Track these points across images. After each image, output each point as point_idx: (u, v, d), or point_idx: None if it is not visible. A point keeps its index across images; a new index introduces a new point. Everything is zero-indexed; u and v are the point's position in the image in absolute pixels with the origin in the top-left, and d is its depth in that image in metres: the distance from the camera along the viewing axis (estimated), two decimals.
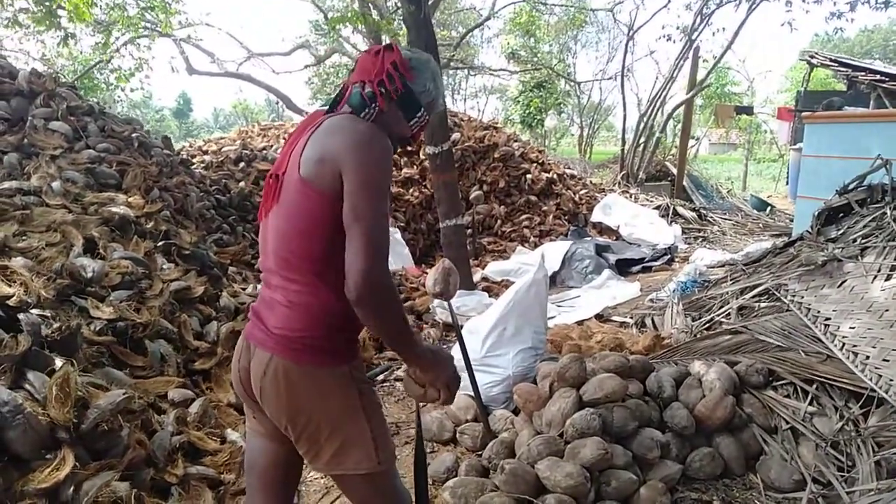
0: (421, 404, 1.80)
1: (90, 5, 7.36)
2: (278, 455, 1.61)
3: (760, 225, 10.66)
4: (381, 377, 4.10)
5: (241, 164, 6.89)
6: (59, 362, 2.24)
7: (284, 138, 7.87)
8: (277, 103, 17.28)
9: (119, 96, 12.56)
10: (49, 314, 2.45)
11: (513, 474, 2.44)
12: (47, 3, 6.81)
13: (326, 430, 1.46)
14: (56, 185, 3.63)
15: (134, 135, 4.80)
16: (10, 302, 2.30)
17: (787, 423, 2.78)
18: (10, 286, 2.38)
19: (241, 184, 6.52)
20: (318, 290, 1.41)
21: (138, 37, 10.23)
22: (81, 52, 10.81)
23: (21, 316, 2.27)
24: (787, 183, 10.62)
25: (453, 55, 16.01)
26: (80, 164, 4.11)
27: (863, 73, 9.79)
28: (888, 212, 3.71)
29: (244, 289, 4.53)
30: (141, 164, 4.55)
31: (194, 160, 6.54)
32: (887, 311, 3.05)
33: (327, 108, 1.59)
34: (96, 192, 3.96)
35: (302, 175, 1.38)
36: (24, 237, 3.14)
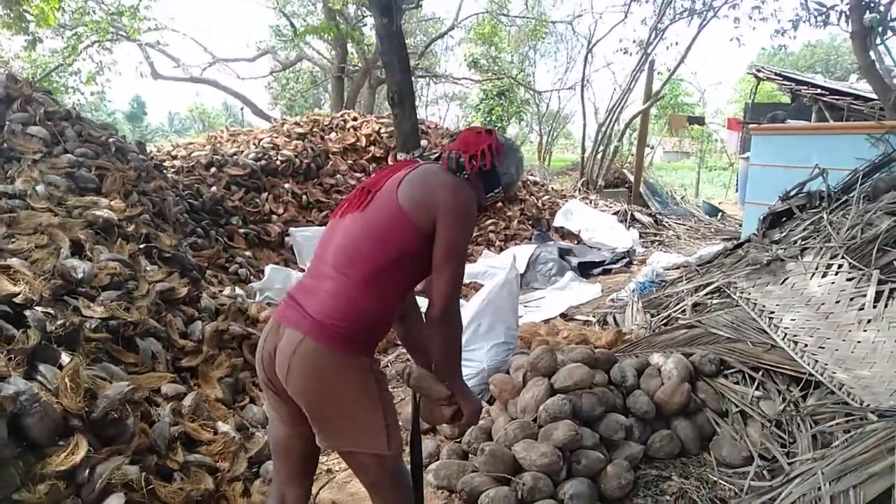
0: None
1: (56, 10, 7.33)
2: (298, 436, 1.77)
3: (712, 229, 11.17)
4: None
5: (213, 169, 6.95)
6: (65, 356, 2.36)
7: (254, 144, 7.95)
8: (241, 109, 17.25)
9: (79, 100, 12.39)
10: (51, 311, 2.56)
11: (492, 455, 2.66)
12: (15, 8, 6.76)
13: (341, 410, 1.64)
14: (40, 188, 3.70)
15: (111, 140, 4.87)
16: (17, 299, 2.40)
17: (737, 406, 3.07)
18: (14, 284, 2.49)
19: (213, 188, 6.60)
20: (365, 291, 1.60)
21: (103, 41, 10.15)
22: (41, 55, 10.66)
23: (27, 312, 2.38)
24: (737, 190, 11.17)
25: (417, 63, 16.24)
26: (60, 168, 4.17)
27: (805, 87, 10.38)
28: (825, 216, 4.08)
29: (221, 291, 4.65)
30: (119, 168, 4.62)
31: (164, 164, 6.58)
32: (823, 304, 3.39)
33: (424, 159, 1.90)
34: (78, 195, 4.04)
35: (400, 202, 1.63)
36: (13, 239, 3.21)
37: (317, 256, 1.73)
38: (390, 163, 8.41)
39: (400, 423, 3.36)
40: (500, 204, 9.19)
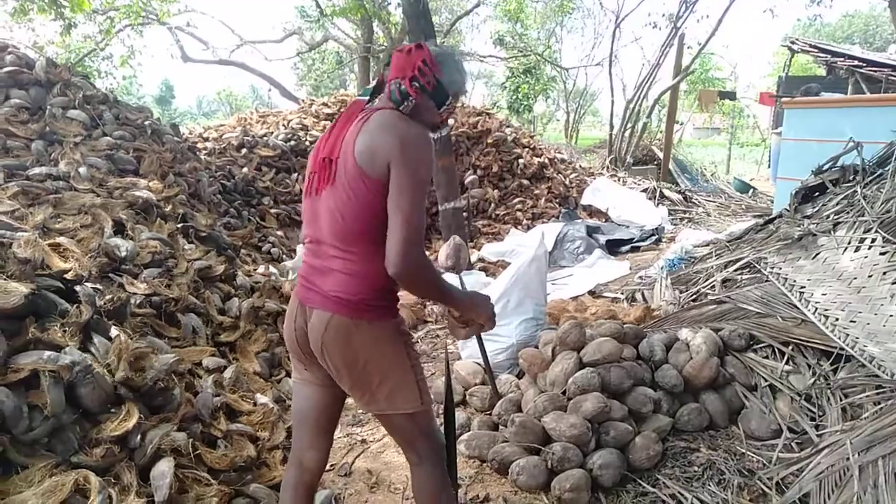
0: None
1: None
2: (326, 399, 1.87)
3: (743, 206, 11.00)
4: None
5: (244, 151, 7.08)
6: (114, 330, 2.48)
7: (283, 125, 8.04)
8: (269, 90, 17.37)
9: (111, 84, 12.63)
10: (100, 287, 2.68)
11: (522, 426, 2.73)
12: None
13: (378, 375, 1.72)
14: (83, 170, 3.83)
15: (147, 122, 5.00)
16: (68, 276, 2.52)
17: (766, 380, 3.09)
18: (65, 261, 2.61)
19: (245, 169, 6.73)
20: (372, 260, 1.63)
21: (135, 24, 10.33)
22: (75, 40, 10.87)
23: (78, 288, 2.50)
24: (769, 166, 10.97)
25: (443, 42, 16.15)
26: (99, 150, 4.31)
27: (841, 59, 10.12)
28: (858, 190, 4.02)
29: (255, 269, 4.78)
30: (156, 150, 4.75)
31: (196, 146, 6.72)
32: (855, 279, 3.36)
33: (367, 98, 1.81)
34: (117, 177, 4.17)
35: (358, 163, 1.59)
36: (59, 219, 3.35)
37: (311, 236, 1.75)
38: None
39: (433, 397, 3.47)
40: (526, 182, 9.18)
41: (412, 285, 1.65)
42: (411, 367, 1.76)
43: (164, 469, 2.13)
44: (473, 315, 1.84)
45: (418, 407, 1.76)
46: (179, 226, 4.12)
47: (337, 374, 1.74)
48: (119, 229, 3.55)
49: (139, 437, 2.18)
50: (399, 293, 1.79)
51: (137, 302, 3.00)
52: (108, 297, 2.60)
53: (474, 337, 2.59)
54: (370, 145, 1.60)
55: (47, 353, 2.09)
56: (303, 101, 10.05)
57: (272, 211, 6.58)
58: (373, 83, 1.84)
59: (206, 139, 7.42)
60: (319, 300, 1.69)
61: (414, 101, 1.70)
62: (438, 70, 1.73)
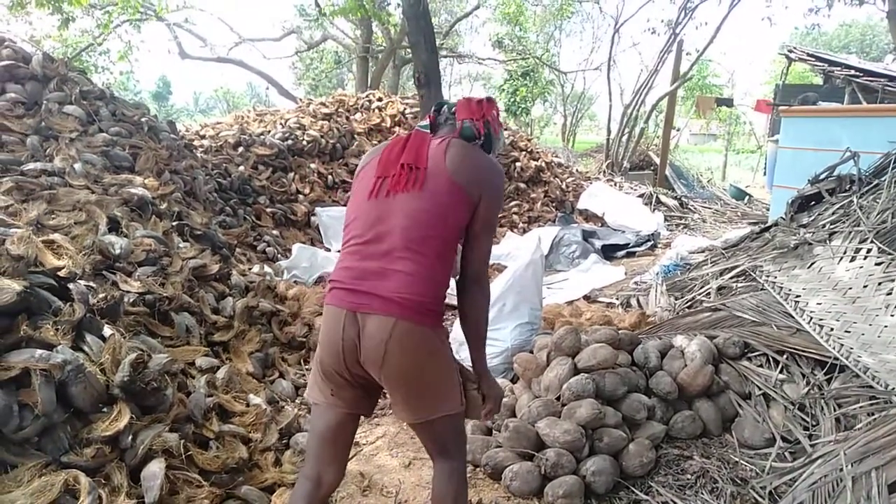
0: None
1: None
2: (350, 420, 1.84)
3: (739, 213, 11.04)
4: None
5: (240, 149, 7.05)
6: (107, 329, 2.46)
7: (280, 124, 8.02)
8: (267, 88, 17.35)
9: (107, 80, 12.58)
10: (93, 285, 2.66)
11: (516, 431, 2.72)
12: None
13: (435, 382, 1.73)
14: (78, 166, 3.81)
15: (143, 119, 4.97)
16: (61, 273, 2.50)
17: (760, 389, 3.09)
18: (59, 259, 2.59)
19: (241, 168, 6.70)
20: (438, 266, 1.68)
21: (133, 20, 10.29)
22: (72, 35, 10.82)
23: (71, 286, 2.48)
24: (765, 173, 11.01)
25: (442, 43, 16.16)
26: (95, 146, 4.28)
27: (838, 68, 10.16)
28: (855, 200, 4.04)
29: (250, 269, 4.76)
30: (152, 147, 4.73)
31: (193, 144, 6.69)
32: (850, 288, 3.37)
33: (428, 131, 1.91)
34: (113, 174, 4.14)
35: (454, 179, 1.70)
36: (53, 216, 3.33)
37: (365, 238, 1.71)
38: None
39: None
40: (522, 185, 9.19)
41: (477, 300, 1.80)
42: (457, 372, 1.81)
43: (154, 470, 2.12)
44: (486, 384, 1.88)
45: (458, 408, 1.80)
46: (174, 224, 4.10)
47: (394, 384, 1.70)
48: (114, 226, 3.52)
49: (130, 437, 2.16)
50: None
51: (131, 300, 2.98)
52: (101, 295, 2.59)
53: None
54: (467, 168, 1.74)
55: (39, 351, 2.08)
56: (300, 100, 10.02)
57: (268, 210, 6.56)
58: (425, 121, 1.96)
59: (203, 137, 7.38)
60: (379, 304, 1.62)
61: (480, 142, 1.86)
62: (497, 127, 1.91)
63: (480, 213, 1.74)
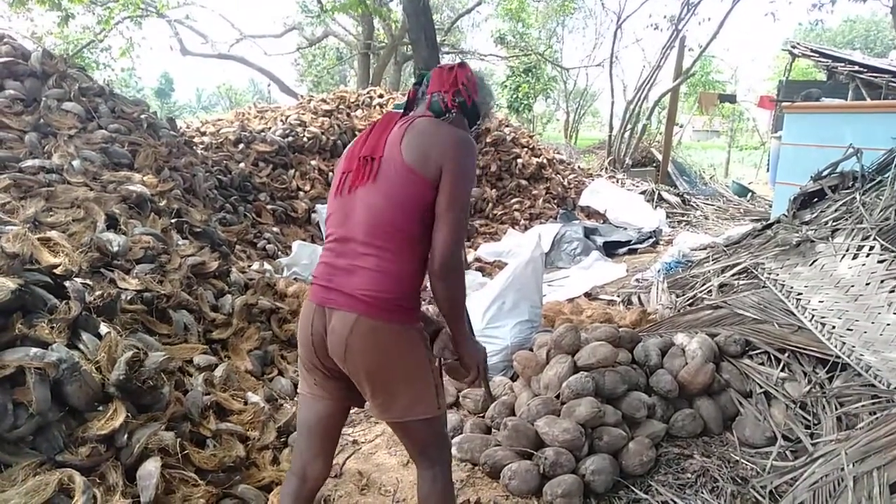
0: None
1: None
2: (334, 411, 1.83)
3: (741, 210, 11.00)
4: None
5: (241, 146, 7.04)
6: (104, 327, 2.45)
7: (281, 120, 8.00)
8: (269, 85, 17.33)
9: (109, 76, 12.58)
10: (90, 283, 2.65)
11: (515, 430, 2.70)
12: None
13: (402, 381, 1.69)
14: (76, 163, 3.80)
15: (143, 116, 4.96)
16: (57, 271, 2.49)
17: (761, 387, 3.06)
18: (55, 256, 2.58)
19: (241, 165, 6.69)
20: (406, 258, 1.63)
21: (134, 16, 10.28)
22: (73, 32, 10.82)
23: (67, 283, 2.47)
24: (768, 170, 10.96)
25: (444, 39, 16.12)
26: (94, 143, 4.27)
27: (842, 64, 10.08)
28: (857, 197, 4.01)
29: (250, 266, 4.74)
30: (151, 144, 4.72)
31: (193, 141, 6.68)
32: (853, 286, 3.35)
33: (401, 112, 1.84)
34: (112, 171, 4.13)
35: (407, 162, 1.62)
36: (51, 213, 3.32)
37: (337, 234, 1.72)
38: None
39: None
40: (524, 182, 9.16)
41: (448, 288, 1.64)
42: (431, 372, 1.74)
43: (150, 469, 2.11)
44: (467, 355, 1.81)
45: (436, 412, 1.74)
46: (173, 221, 4.09)
47: (358, 380, 1.69)
48: (112, 224, 3.51)
49: (126, 436, 2.15)
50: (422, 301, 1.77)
51: (128, 298, 2.97)
52: (97, 292, 2.57)
53: None
54: (422, 146, 1.63)
55: (34, 349, 2.06)
56: (301, 96, 10.00)
57: (268, 207, 6.54)
58: (403, 99, 1.87)
59: (204, 133, 7.37)
60: (343, 300, 1.63)
61: (453, 113, 1.76)
62: (476, 90, 1.81)
63: (443, 189, 1.61)
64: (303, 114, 8.30)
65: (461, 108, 1.77)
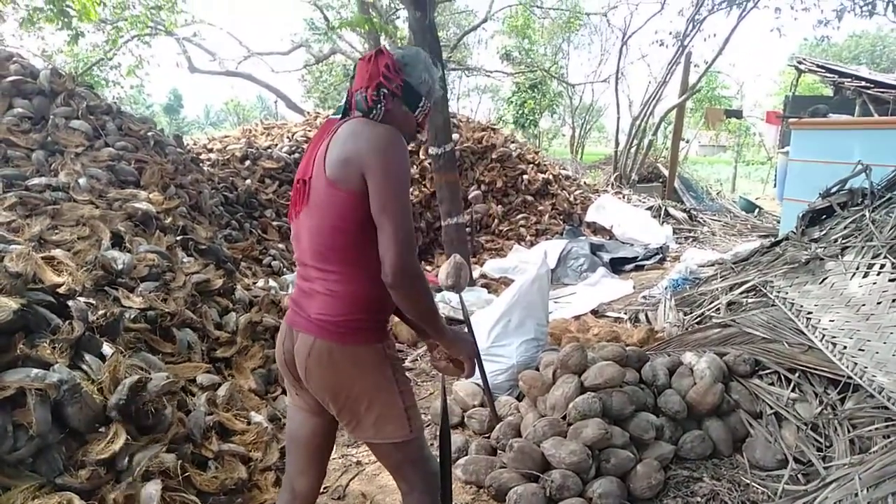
0: (448, 381, 2.02)
1: (97, 4, 7.53)
2: (317, 426, 1.81)
3: (749, 226, 10.93)
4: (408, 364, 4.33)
5: (247, 163, 7.07)
6: (106, 346, 2.43)
7: (288, 137, 8.04)
8: (276, 102, 17.46)
9: (118, 94, 12.70)
10: (93, 302, 2.64)
11: (521, 452, 2.66)
12: (58, 2, 6.97)
13: (365, 402, 1.65)
14: (83, 181, 3.81)
15: (150, 133, 4.98)
16: (60, 290, 2.48)
17: (772, 408, 3.01)
18: (58, 275, 2.57)
19: (248, 181, 6.71)
20: (354, 278, 1.59)
21: (142, 35, 10.40)
22: (83, 50, 10.95)
23: (70, 303, 2.46)
24: (775, 185, 10.92)
25: (450, 56, 16.22)
26: (101, 161, 4.29)
27: (849, 80, 10.08)
28: (867, 214, 3.96)
29: (255, 283, 4.73)
30: (157, 161, 4.73)
31: (200, 157, 6.71)
32: (864, 305, 3.29)
33: (340, 115, 1.75)
34: (118, 188, 4.14)
35: (328, 177, 1.54)
36: (56, 231, 3.32)
37: (297, 258, 1.73)
38: (421, 156, 8.42)
39: (429, 417, 3.39)
40: (530, 198, 9.14)
41: (407, 297, 1.55)
42: (399, 394, 1.67)
43: (151, 492, 2.08)
44: (454, 351, 1.76)
45: (407, 436, 1.69)
46: (179, 238, 4.08)
47: (323, 400, 1.68)
48: (117, 242, 3.51)
49: (127, 458, 2.12)
50: (387, 316, 1.74)
51: (132, 316, 2.95)
52: (101, 312, 2.56)
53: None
54: (340, 156, 1.54)
55: (35, 370, 2.05)
56: (308, 113, 10.06)
57: (274, 223, 6.55)
58: (344, 101, 1.77)
59: (210, 150, 7.42)
60: (304, 323, 1.64)
61: (384, 108, 1.65)
62: (406, 71, 1.68)
63: (373, 195, 1.50)
64: (309, 130, 8.34)
65: (394, 97, 1.66)
